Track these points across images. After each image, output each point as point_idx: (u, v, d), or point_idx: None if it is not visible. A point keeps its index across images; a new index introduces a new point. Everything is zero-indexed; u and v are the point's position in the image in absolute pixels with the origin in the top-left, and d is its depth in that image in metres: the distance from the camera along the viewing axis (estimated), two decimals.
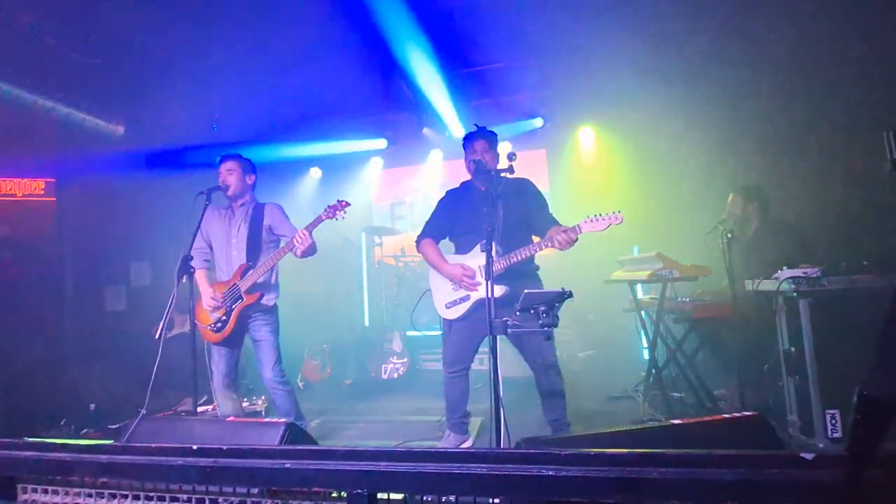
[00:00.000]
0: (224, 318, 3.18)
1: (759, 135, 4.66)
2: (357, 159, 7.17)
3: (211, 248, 3.40)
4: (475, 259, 2.92)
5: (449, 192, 3.25)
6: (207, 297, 3.22)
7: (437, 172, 7.11)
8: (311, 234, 3.04)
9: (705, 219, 3.87)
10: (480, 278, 2.84)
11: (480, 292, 2.82)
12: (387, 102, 6.13)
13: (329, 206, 3.10)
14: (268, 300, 3.28)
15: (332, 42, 4.73)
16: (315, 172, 7.34)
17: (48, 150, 4.87)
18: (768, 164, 4.41)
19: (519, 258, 2.78)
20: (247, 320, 3.26)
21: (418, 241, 3.19)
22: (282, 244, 3.33)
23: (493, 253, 2.67)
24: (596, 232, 2.62)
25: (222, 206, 3.40)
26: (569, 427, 2.90)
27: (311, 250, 3.08)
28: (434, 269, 3.08)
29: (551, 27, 4.65)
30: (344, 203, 3.10)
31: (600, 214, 2.60)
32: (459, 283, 2.91)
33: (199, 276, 3.27)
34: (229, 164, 3.33)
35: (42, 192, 4.85)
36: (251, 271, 3.18)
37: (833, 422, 2.70)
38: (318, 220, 3.08)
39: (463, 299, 2.95)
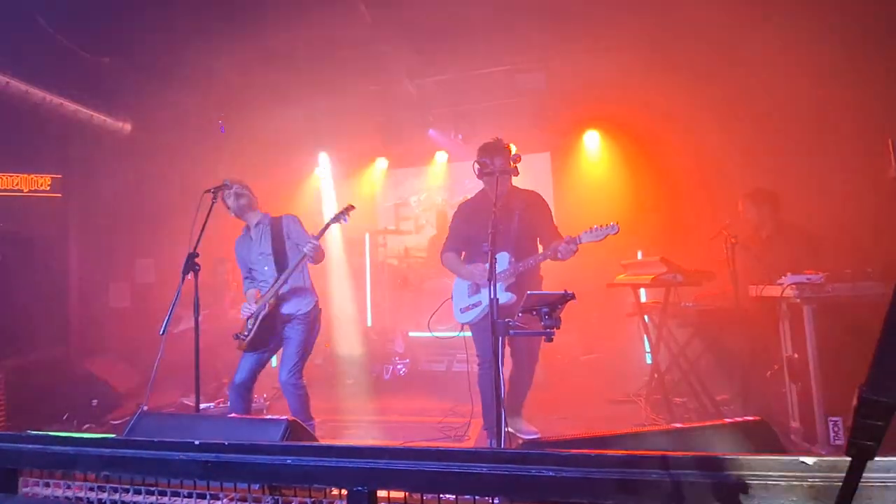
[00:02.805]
0: (251, 326, 3.27)
1: (764, 140, 4.65)
2: (362, 160, 7.18)
3: (251, 271, 3.50)
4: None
5: (462, 206, 3.45)
6: (244, 306, 3.33)
7: (442, 174, 7.12)
8: (319, 240, 3.21)
9: (709, 223, 3.86)
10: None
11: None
12: (392, 103, 6.13)
13: (336, 214, 3.24)
14: (297, 308, 3.34)
15: (337, 42, 4.75)
16: (320, 173, 7.35)
17: (55, 147, 4.90)
18: (773, 170, 4.40)
19: (526, 267, 2.98)
20: (281, 325, 3.33)
21: (442, 256, 3.39)
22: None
23: (508, 263, 2.99)
24: (595, 242, 2.77)
25: (245, 231, 3.50)
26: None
27: (321, 256, 3.29)
28: (457, 275, 3.29)
29: (556, 30, 4.65)
30: (350, 207, 3.27)
31: (598, 226, 2.73)
32: (482, 281, 3.06)
33: (248, 295, 3.47)
34: (227, 191, 3.34)
35: (48, 188, 4.88)
36: (276, 282, 3.27)
37: (836, 429, 2.68)
38: (326, 227, 3.25)
39: (475, 305, 3.13)
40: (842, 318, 2.73)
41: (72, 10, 3.96)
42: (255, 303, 3.32)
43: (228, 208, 3.40)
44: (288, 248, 3.38)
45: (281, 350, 3.38)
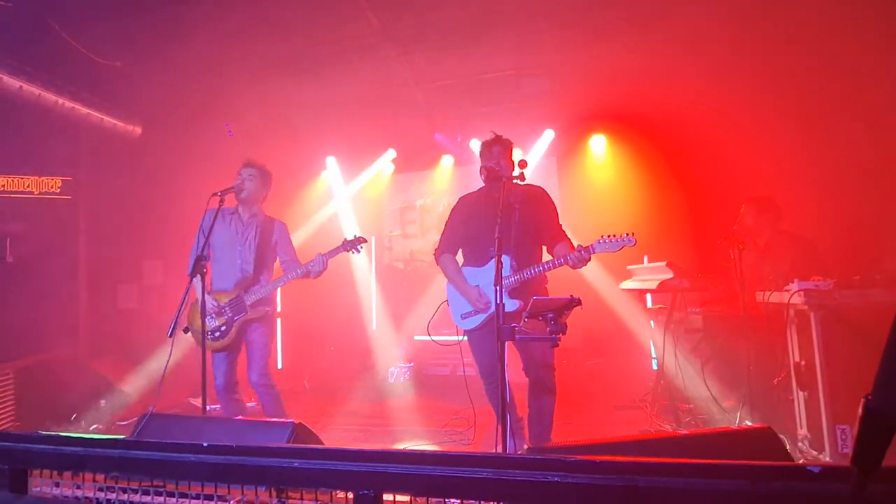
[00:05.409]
0: (224, 327, 3.19)
1: (771, 145, 4.63)
2: (368, 164, 7.20)
3: (210, 254, 3.33)
4: (491, 272, 2.88)
5: (461, 200, 3.20)
6: (209, 303, 3.18)
7: (447, 178, 7.13)
8: (327, 261, 3.24)
9: (716, 229, 3.85)
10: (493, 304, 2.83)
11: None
12: (398, 108, 6.16)
13: (347, 241, 3.29)
14: (265, 311, 3.31)
15: (345, 47, 4.79)
16: (328, 176, 7.38)
17: (66, 150, 4.96)
18: (781, 176, 4.38)
19: (532, 274, 2.79)
20: (245, 326, 3.27)
21: (437, 256, 3.18)
22: (277, 263, 3.45)
23: (509, 267, 2.77)
24: (608, 253, 2.66)
25: (227, 212, 3.33)
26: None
27: (319, 275, 3.29)
28: (454, 286, 3.07)
29: (560, 34, 4.66)
30: (362, 239, 3.33)
31: (614, 235, 2.63)
32: (474, 305, 2.92)
33: (197, 281, 3.10)
34: (252, 170, 3.34)
35: (59, 190, 4.93)
36: (258, 287, 3.22)
37: (843, 437, 2.66)
38: (336, 251, 3.27)
39: (478, 311, 2.95)
40: (850, 326, 2.71)
41: (84, 15, 4.02)
42: (217, 298, 3.22)
43: (243, 190, 3.27)
44: (269, 254, 3.37)
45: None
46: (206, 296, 3.18)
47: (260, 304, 3.24)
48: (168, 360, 2.65)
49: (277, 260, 3.45)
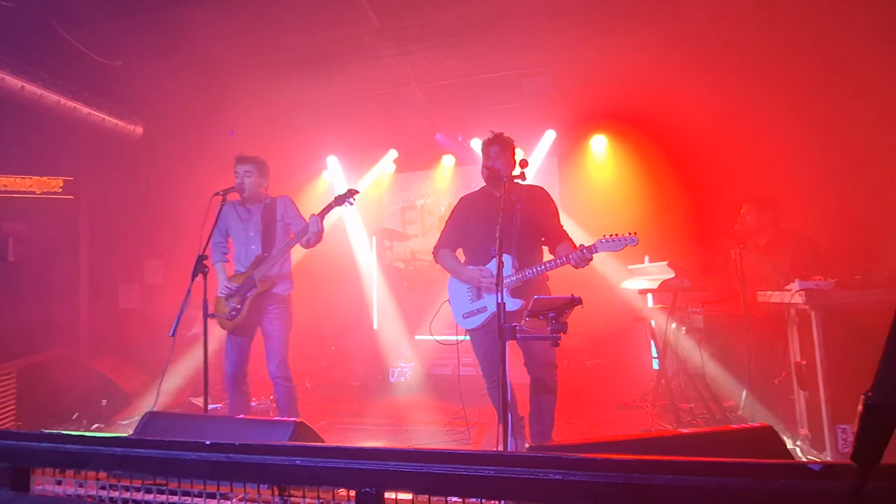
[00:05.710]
0: (238, 305, 3.27)
1: (772, 145, 4.63)
2: (369, 164, 7.21)
3: (229, 244, 3.53)
4: (493, 269, 2.89)
5: (464, 199, 3.20)
6: (223, 284, 3.32)
7: (448, 178, 7.14)
8: (322, 220, 3.20)
9: (717, 228, 3.86)
10: None
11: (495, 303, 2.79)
12: (399, 108, 6.17)
13: (339, 196, 3.25)
14: (282, 290, 3.38)
15: (346, 47, 4.79)
16: (328, 175, 7.39)
17: (68, 150, 4.97)
18: (782, 176, 4.38)
19: (533, 275, 2.78)
20: (261, 310, 3.32)
21: (435, 252, 3.16)
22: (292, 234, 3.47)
23: (510, 266, 2.78)
24: (611, 252, 2.65)
25: (237, 203, 3.47)
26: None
27: (319, 238, 3.25)
28: (453, 276, 3.06)
29: (562, 34, 4.66)
30: (353, 191, 3.27)
31: (617, 235, 2.60)
32: (479, 284, 2.89)
33: (219, 268, 3.42)
34: (247, 167, 3.37)
35: (60, 189, 4.93)
36: (265, 261, 3.28)
37: (844, 437, 2.66)
38: (329, 208, 3.24)
39: (479, 310, 2.93)
40: (851, 325, 2.71)
41: (85, 14, 4.02)
42: (233, 280, 3.31)
43: (244, 189, 3.33)
44: (278, 230, 3.40)
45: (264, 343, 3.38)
46: (226, 279, 3.34)
47: (267, 278, 3.29)
48: (168, 360, 2.65)
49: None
